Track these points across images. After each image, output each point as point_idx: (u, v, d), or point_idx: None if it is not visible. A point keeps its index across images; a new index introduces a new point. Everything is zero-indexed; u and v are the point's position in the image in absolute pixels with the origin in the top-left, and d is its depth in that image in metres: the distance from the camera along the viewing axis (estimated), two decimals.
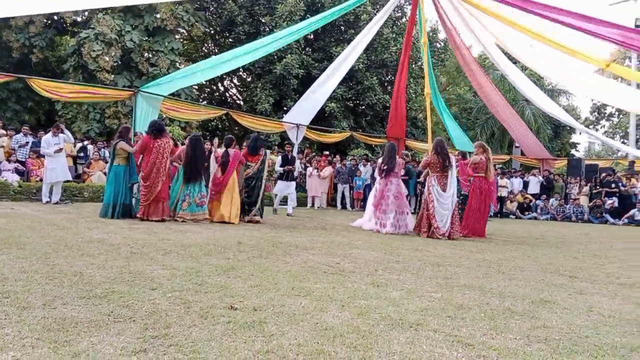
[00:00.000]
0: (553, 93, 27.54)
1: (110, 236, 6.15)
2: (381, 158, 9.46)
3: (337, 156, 17.84)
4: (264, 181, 9.70)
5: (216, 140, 10.50)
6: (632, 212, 16.18)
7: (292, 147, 12.66)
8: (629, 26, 12.19)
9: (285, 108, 19.96)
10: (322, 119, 19.91)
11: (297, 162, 12.43)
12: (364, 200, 15.43)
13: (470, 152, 11.54)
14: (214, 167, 9.22)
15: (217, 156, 9.20)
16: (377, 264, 5.28)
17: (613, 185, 17.18)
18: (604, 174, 18.29)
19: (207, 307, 3.20)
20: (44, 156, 10.74)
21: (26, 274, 3.83)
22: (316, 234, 7.91)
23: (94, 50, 16.92)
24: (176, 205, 8.75)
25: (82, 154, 13.71)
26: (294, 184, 11.87)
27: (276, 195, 12.27)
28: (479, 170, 9.27)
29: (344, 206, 15.91)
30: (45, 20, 18.86)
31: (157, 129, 8.58)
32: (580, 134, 33.92)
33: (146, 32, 18.87)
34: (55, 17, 19.52)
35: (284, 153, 12.24)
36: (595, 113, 40.37)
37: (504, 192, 16.71)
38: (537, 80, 26.80)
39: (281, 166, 11.59)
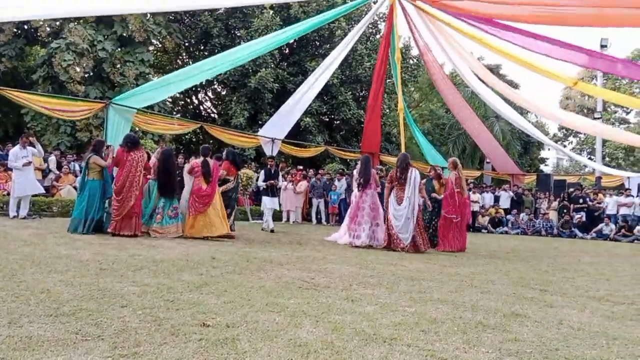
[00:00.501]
0: (523, 110, 28.19)
1: (79, 252, 6.01)
2: (356, 171, 9.57)
3: (312, 170, 17.85)
4: (237, 195, 9.63)
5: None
6: (599, 226, 16.60)
7: (274, 160, 12.29)
8: (595, 50, 12.68)
9: (260, 122, 19.94)
10: (297, 134, 19.95)
11: (280, 176, 12.03)
12: (339, 214, 15.46)
13: (443, 168, 11.67)
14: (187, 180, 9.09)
15: (195, 166, 8.86)
16: (351, 279, 5.28)
17: (581, 201, 17.63)
18: (571, 189, 18.76)
19: (179, 325, 3.14)
20: (11, 169, 10.45)
21: None
22: (291, 249, 7.87)
23: (64, 60, 16.60)
24: (149, 219, 8.60)
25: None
26: (277, 199, 11.59)
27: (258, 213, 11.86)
28: (455, 185, 9.42)
29: (319, 221, 15.89)
30: (15, 30, 18.48)
31: (131, 142, 8.46)
32: (548, 149, 34.80)
33: (119, 42, 18.66)
34: (25, 27, 19.15)
35: (266, 167, 11.88)
36: (564, 129, 41.46)
37: (475, 207, 16.97)
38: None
39: (264, 181, 11.37)
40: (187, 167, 9.18)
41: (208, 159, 8.93)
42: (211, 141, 20.25)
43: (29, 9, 10.71)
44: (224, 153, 10.05)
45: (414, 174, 8.73)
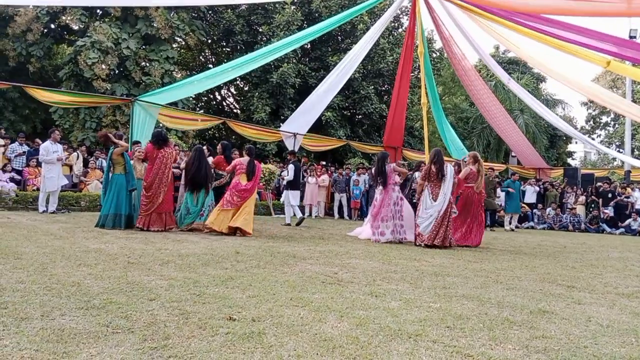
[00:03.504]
0: (549, 103, 27.70)
1: (107, 246, 6.14)
2: (374, 169, 9.51)
3: (333, 166, 17.84)
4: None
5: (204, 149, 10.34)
6: (628, 221, 16.23)
7: (292, 155, 12.07)
8: (623, 37, 12.30)
9: (282, 117, 20.02)
10: (318, 128, 19.97)
11: (299, 171, 11.64)
12: (361, 209, 15.43)
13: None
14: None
15: (237, 164, 8.90)
16: (375, 274, 5.27)
17: (610, 195, 17.25)
18: (599, 184, 18.36)
19: (206, 318, 3.19)
20: (41, 165, 10.68)
21: (24, 284, 3.81)
22: (314, 244, 7.90)
23: (89, 58, 16.92)
24: (197, 216, 8.78)
25: None
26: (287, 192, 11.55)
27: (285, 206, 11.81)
28: (469, 180, 9.28)
29: (341, 215, 15.89)
30: (42, 29, 18.88)
31: (161, 139, 8.58)
32: (576, 142, 34.04)
33: (143, 40, 18.91)
34: (52, 26, 19.55)
35: (295, 161, 11.69)
36: (591, 122, 40.63)
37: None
38: (534, 89, 26.95)
39: (294, 175, 11.35)
40: (229, 167, 9.28)
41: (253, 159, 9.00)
42: (233, 137, 20.45)
43: None
44: (219, 147, 10.02)
45: (449, 169, 8.66)
